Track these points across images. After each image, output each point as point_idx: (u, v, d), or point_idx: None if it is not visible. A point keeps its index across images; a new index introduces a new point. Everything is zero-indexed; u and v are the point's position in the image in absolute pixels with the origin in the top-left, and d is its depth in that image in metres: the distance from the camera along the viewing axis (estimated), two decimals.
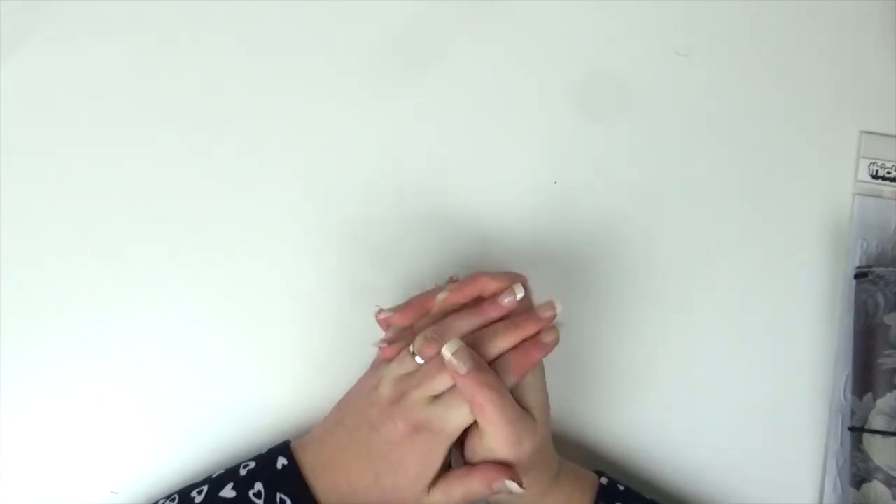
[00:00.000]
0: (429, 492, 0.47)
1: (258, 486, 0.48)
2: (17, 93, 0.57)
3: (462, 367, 0.46)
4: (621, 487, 0.53)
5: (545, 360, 0.50)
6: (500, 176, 0.59)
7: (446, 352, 0.46)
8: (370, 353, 0.53)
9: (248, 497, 0.48)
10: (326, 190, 0.58)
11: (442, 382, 0.47)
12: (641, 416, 0.57)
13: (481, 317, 0.49)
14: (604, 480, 0.52)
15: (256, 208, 0.57)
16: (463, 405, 0.46)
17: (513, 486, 0.46)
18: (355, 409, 0.50)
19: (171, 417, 0.55)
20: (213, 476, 0.50)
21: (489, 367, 0.47)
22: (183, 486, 0.51)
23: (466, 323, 0.49)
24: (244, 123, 0.58)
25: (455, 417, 0.47)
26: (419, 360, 0.48)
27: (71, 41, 0.58)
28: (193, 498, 0.49)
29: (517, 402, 0.47)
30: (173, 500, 0.50)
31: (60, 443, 0.55)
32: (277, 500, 0.48)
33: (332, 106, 0.58)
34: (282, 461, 0.49)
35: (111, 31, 0.58)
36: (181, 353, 0.56)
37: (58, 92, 0.57)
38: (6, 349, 0.55)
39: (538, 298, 0.57)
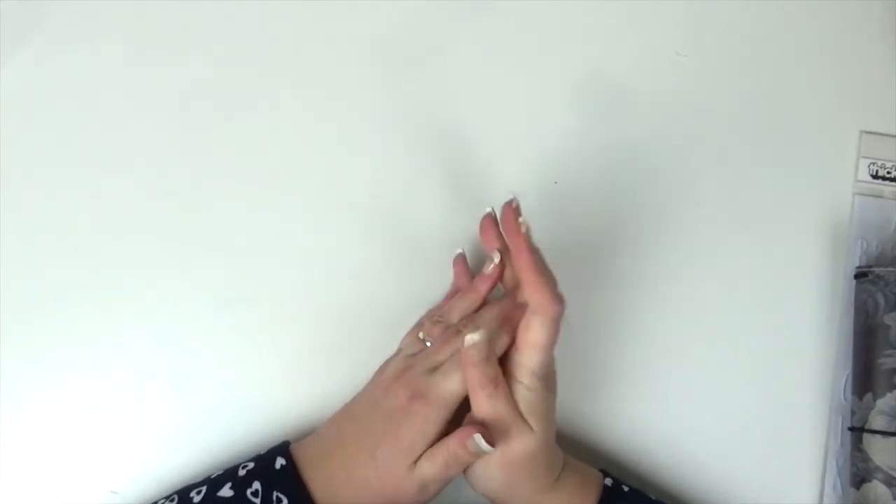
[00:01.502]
0: (416, 464, 0.48)
1: (256, 485, 0.49)
2: (17, 93, 0.57)
3: (474, 357, 0.47)
4: (626, 488, 0.52)
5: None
6: (500, 176, 0.59)
7: (468, 340, 0.47)
8: (371, 354, 0.53)
9: (246, 496, 0.48)
10: (327, 191, 0.58)
11: (442, 354, 0.49)
12: (640, 416, 0.57)
13: (476, 293, 0.52)
14: (608, 482, 0.52)
15: (258, 208, 0.57)
16: (457, 373, 0.48)
17: (482, 443, 0.46)
18: (364, 397, 0.51)
19: (170, 417, 0.55)
20: (213, 476, 0.50)
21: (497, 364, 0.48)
22: (182, 486, 0.51)
23: (465, 303, 0.52)
24: (247, 122, 0.58)
25: (450, 385, 0.48)
26: (428, 343, 0.51)
27: (71, 41, 0.58)
28: (192, 498, 0.49)
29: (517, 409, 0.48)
30: (172, 500, 0.50)
31: (60, 443, 0.55)
32: (274, 498, 0.48)
33: (332, 105, 0.58)
34: (280, 461, 0.50)
35: (111, 31, 0.58)
36: (181, 354, 0.56)
37: (58, 92, 0.57)
38: (6, 349, 0.55)
39: None
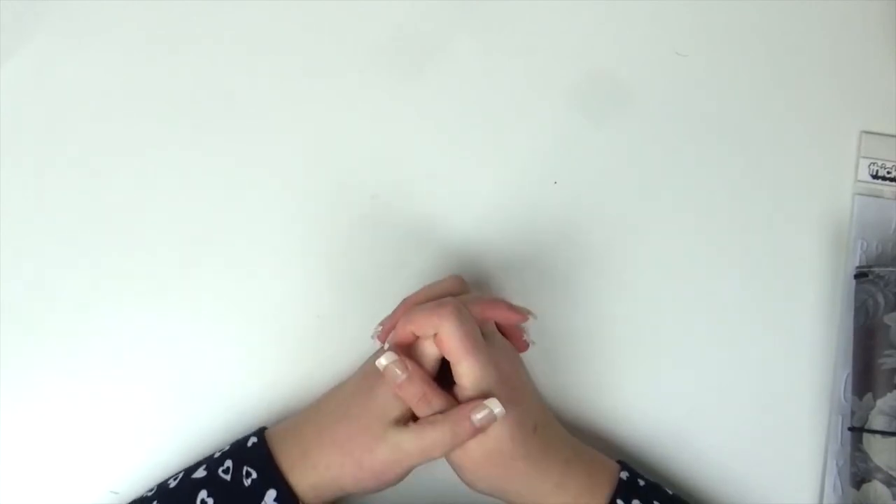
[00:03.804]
0: (394, 429, 0.47)
1: (227, 463, 0.49)
2: (17, 93, 0.57)
3: (394, 380, 0.47)
4: (642, 483, 0.52)
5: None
6: (500, 176, 0.59)
7: (381, 362, 0.47)
8: (363, 353, 0.53)
9: (217, 473, 0.49)
10: (319, 188, 0.58)
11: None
12: (640, 415, 0.57)
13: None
14: (623, 475, 0.51)
15: (256, 207, 0.57)
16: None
17: (496, 407, 0.46)
18: (339, 389, 0.52)
19: (171, 418, 0.55)
20: (190, 465, 0.51)
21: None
22: None
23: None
24: (247, 123, 0.58)
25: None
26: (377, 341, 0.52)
27: (71, 41, 0.58)
28: (168, 483, 0.50)
29: None
30: (152, 490, 0.51)
31: (60, 443, 0.55)
32: (244, 472, 0.49)
33: (329, 106, 0.59)
34: (252, 440, 0.50)
35: (111, 30, 0.58)
36: (182, 355, 0.56)
37: (58, 92, 0.57)
38: (5, 350, 0.55)
39: (538, 301, 0.57)
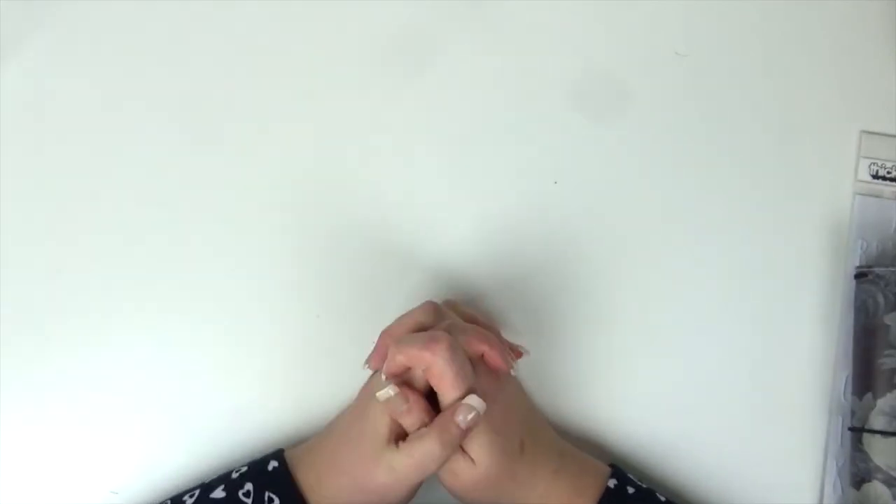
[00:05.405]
0: (388, 450, 0.47)
1: (248, 486, 0.49)
2: (17, 94, 0.57)
3: (392, 411, 0.47)
4: (631, 490, 0.51)
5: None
6: (500, 176, 0.59)
7: (382, 394, 0.47)
8: (363, 353, 0.53)
9: (238, 496, 0.49)
10: (321, 193, 0.58)
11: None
12: (639, 415, 0.57)
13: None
14: (612, 483, 0.51)
15: (256, 211, 0.57)
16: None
17: (475, 403, 0.46)
18: (346, 411, 0.52)
19: (171, 418, 0.55)
20: (206, 482, 0.51)
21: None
22: (180, 488, 0.52)
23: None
24: (246, 125, 0.58)
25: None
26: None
27: (71, 43, 0.58)
28: (185, 500, 0.50)
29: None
30: None
31: (60, 443, 0.55)
32: (266, 498, 0.48)
33: (329, 106, 0.58)
34: (273, 463, 0.50)
35: (111, 32, 0.58)
36: (182, 355, 0.56)
37: (58, 94, 0.57)
38: (6, 351, 0.55)
39: (538, 302, 0.57)
